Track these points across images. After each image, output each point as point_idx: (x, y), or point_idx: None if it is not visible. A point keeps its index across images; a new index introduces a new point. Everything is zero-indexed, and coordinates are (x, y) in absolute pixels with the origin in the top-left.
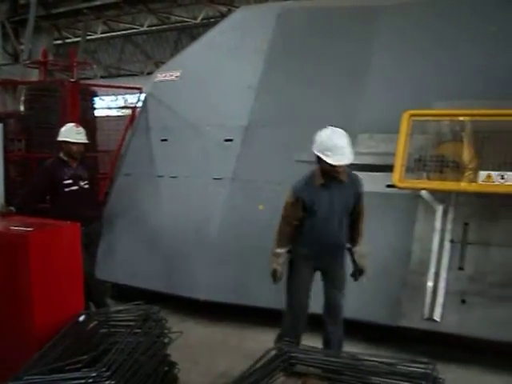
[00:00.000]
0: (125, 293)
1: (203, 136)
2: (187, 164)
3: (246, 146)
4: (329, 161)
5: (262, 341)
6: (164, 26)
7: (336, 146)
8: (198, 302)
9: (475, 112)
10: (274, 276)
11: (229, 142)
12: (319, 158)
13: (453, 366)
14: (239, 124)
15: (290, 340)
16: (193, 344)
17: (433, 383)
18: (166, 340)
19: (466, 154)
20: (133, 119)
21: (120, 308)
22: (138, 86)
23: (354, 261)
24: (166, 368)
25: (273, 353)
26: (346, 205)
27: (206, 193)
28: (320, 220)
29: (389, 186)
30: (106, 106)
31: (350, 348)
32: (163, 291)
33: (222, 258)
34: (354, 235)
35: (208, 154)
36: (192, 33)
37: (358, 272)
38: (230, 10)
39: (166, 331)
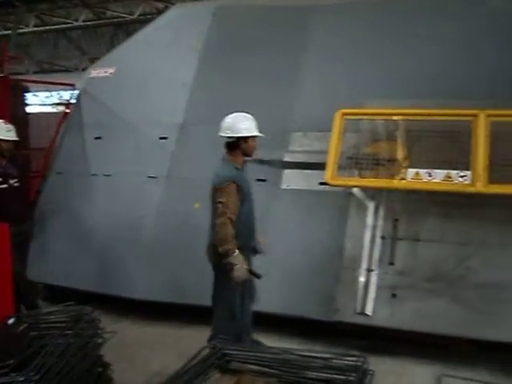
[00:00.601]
0: (58, 294)
1: (138, 134)
2: (121, 162)
3: (181, 144)
4: (255, 133)
5: (198, 339)
6: (100, 22)
7: (251, 121)
8: (134, 302)
9: (406, 111)
10: (255, 275)
11: (163, 140)
12: (236, 141)
13: (385, 358)
14: (174, 122)
15: (224, 337)
16: (128, 344)
17: (363, 375)
18: (100, 340)
19: (396, 153)
20: (66, 116)
21: (51, 309)
22: (71, 82)
23: None
24: (100, 369)
25: (207, 350)
26: None
27: (140, 191)
28: (248, 205)
29: (322, 183)
30: (40, 102)
31: (285, 344)
32: (98, 291)
33: (157, 256)
34: None
35: (143, 152)
36: (128, 29)
37: None
38: (166, 6)
39: (99, 331)
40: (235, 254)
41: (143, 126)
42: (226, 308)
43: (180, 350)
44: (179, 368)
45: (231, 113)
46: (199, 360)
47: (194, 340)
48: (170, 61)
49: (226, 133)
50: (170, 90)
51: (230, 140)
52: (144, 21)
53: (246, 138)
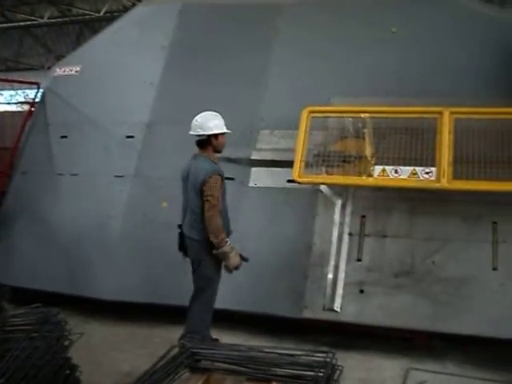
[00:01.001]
0: (24, 296)
1: (104, 133)
2: (88, 161)
3: (148, 143)
4: (224, 130)
5: (168, 338)
6: (65, 19)
7: (220, 119)
8: (103, 303)
9: (372, 109)
10: (244, 259)
11: (130, 139)
12: (207, 139)
13: (354, 353)
14: (140, 120)
15: (192, 336)
16: (97, 345)
17: (332, 371)
18: (67, 342)
19: (363, 150)
20: (32, 115)
21: (17, 312)
22: (37, 80)
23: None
24: (67, 371)
25: (176, 350)
26: None
27: (107, 191)
28: (224, 198)
29: (289, 181)
30: (5, 100)
31: (254, 341)
32: (66, 292)
33: (125, 256)
34: None
35: (109, 151)
36: (94, 26)
37: None
38: (134, 4)
39: (66, 333)
40: (228, 243)
41: (109, 125)
42: (208, 302)
43: (150, 349)
44: (148, 368)
45: (198, 112)
46: (168, 359)
47: (164, 339)
48: (136, 59)
49: (197, 131)
50: (136, 88)
51: (202, 138)
52: (110, 18)
53: (216, 135)
